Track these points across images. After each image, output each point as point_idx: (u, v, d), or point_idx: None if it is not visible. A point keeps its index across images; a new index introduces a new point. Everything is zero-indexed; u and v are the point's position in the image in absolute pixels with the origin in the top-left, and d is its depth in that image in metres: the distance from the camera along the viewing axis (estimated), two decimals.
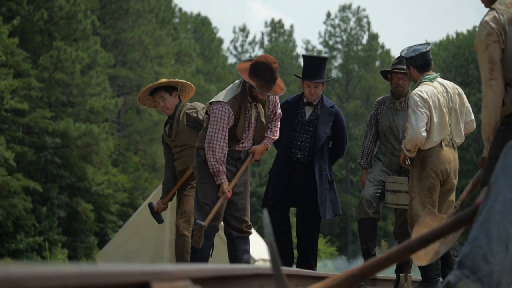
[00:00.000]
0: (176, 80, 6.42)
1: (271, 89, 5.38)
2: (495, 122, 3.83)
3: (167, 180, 6.46)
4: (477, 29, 3.90)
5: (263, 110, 5.62)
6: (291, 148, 6.54)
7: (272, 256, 2.39)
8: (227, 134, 5.41)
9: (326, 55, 45.85)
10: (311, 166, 6.52)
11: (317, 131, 6.56)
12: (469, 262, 2.31)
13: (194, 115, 6.20)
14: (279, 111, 5.83)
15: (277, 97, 5.77)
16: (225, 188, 5.43)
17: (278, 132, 5.89)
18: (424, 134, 5.55)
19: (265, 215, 2.44)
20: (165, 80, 6.38)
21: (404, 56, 5.92)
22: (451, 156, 5.69)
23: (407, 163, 5.78)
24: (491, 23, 3.81)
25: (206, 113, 5.56)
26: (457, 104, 5.75)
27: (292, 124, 6.55)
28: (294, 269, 4.36)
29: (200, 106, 6.26)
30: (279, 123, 5.89)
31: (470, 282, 2.29)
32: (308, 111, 6.62)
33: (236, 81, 5.65)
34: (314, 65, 6.58)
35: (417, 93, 5.61)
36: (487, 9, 3.97)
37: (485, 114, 3.86)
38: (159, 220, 6.64)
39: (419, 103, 5.57)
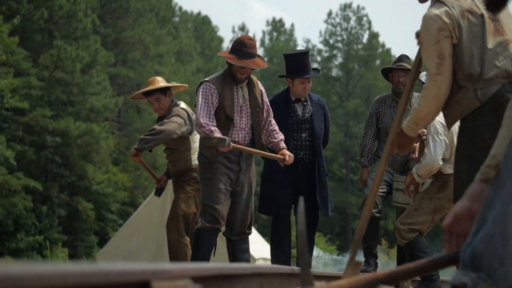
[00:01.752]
0: (174, 84, 6.42)
1: (242, 61, 5.43)
2: (427, 113, 3.80)
3: None
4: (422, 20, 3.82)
5: (255, 97, 5.62)
6: (293, 149, 6.39)
7: (301, 247, 2.38)
8: (212, 105, 5.46)
9: (327, 54, 45.85)
10: (312, 164, 6.46)
11: (314, 129, 6.48)
12: (485, 263, 2.29)
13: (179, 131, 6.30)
14: (266, 99, 5.83)
15: (262, 88, 5.79)
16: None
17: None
18: (441, 162, 5.49)
19: (301, 202, 2.43)
20: (162, 84, 6.34)
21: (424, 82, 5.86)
22: None
23: (410, 190, 5.72)
24: (444, 18, 3.74)
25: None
26: None
27: (286, 124, 6.42)
28: (294, 268, 4.36)
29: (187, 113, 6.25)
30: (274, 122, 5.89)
31: (487, 286, 2.30)
32: (299, 109, 6.50)
33: None
34: (303, 60, 6.44)
35: (439, 121, 5.51)
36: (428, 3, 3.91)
37: (423, 104, 3.80)
38: (157, 193, 6.68)
39: (439, 130, 5.49)
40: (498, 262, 2.28)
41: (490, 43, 3.76)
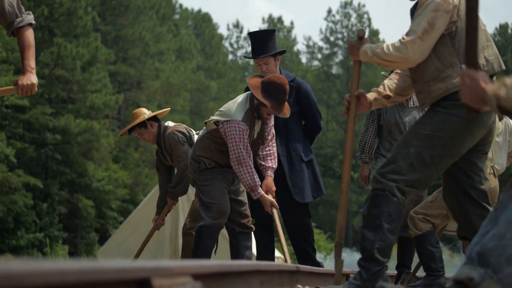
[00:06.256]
0: (143, 117, 6.27)
1: (281, 110, 5.27)
2: (385, 59, 3.71)
3: (162, 197, 6.59)
4: None
5: (263, 130, 5.52)
6: None
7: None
8: (248, 148, 5.29)
9: (328, 51, 45.81)
10: (282, 148, 6.07)
11: None
12: (493, 260, 2.32)
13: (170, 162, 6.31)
14: (273, 131, 5.60)
15: (272, 119, 5.57)
16: (266, 200, 5.36)
17: (276, 160, 5.59)
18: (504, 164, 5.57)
19: None
20: (137, 120, 6.27)
21: None
22: (492, 184, 5.62)
23: None
24: None
25: (215, 123, 5.35)
26: (501, 132, 5.84)
27: None
28: (295, 265, 4.36)
29: (176, 137, 6.16)
30: (275, 149, 5.61)
31: (493, 283, 2.32)
32: None
33: (242, 96, 5.44)
34: (258, 40, 5.97)
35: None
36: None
37: (391, 50, 3.66)
38: None
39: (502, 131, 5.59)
40: (506, 261, 2.30)
41: (483, 36, 3.77)
